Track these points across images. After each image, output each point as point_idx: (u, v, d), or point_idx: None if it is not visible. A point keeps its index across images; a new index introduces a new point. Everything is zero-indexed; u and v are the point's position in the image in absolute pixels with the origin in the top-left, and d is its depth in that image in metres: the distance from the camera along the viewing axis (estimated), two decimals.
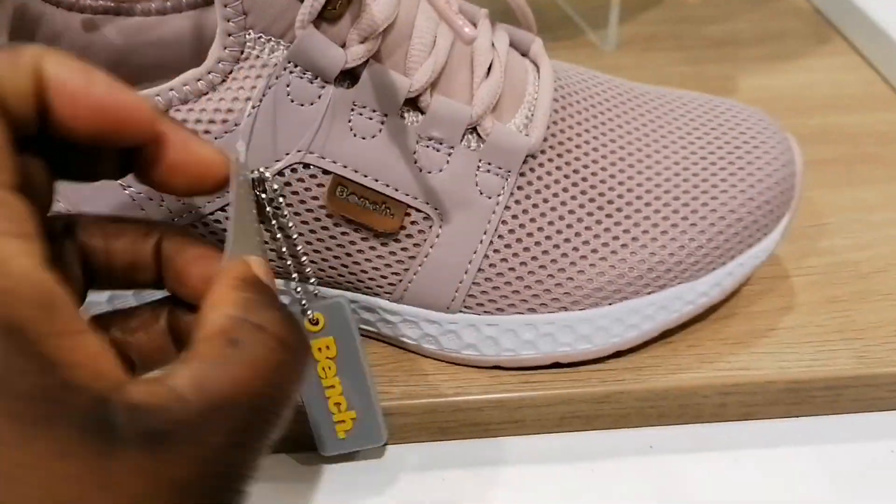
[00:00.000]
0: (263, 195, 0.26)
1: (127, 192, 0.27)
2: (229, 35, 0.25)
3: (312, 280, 0.28)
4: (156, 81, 0.26)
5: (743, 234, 0.31)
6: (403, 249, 0.29)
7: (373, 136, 0.27)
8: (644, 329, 0.30)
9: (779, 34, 0.51)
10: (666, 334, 0.31)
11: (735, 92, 0.46)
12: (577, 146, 0.30)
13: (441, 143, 0.27)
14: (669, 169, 0.31)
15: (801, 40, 0.51)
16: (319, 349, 0.27)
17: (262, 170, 0.26)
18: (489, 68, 0.28)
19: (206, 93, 0.25)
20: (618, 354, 0.31)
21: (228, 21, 0.24)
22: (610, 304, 0.29)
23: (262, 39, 0.25)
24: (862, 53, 0.49)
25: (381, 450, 0.30)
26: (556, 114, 0.30)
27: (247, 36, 0.25)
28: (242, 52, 0.25)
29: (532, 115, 0.29)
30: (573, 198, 0.29)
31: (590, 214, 0.29)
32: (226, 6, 0.24)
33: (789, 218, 0.32)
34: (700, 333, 0.32)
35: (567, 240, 0.29)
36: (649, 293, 0.30)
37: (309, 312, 0.27)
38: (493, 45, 0.29)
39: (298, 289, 0.28)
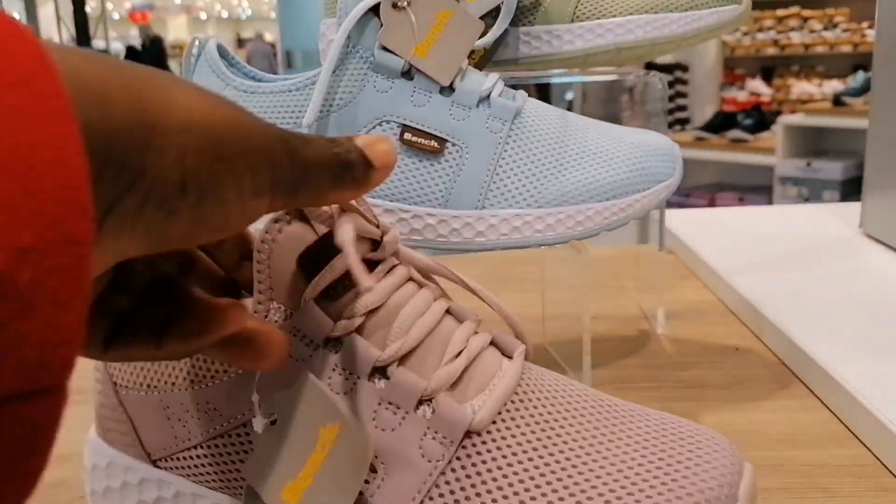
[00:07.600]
0: None
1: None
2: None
3: None
4: None
5: None
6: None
7: (344, 393, 0.32)
8: None
9: (743, 380, 0.57)
10: None
11: None
12: (527, 439, 0.32)
13: (398, 408, 0.32)
14: (610, 475, 0.31)
15: (763, 385, 0.56)
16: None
17: None
18: (457, 356, 0.34)
19: None
20: None
21: None
22: None
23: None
24: (818, 396, 0.54)
25: None
26: (512, 404, 0.33)
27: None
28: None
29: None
30: (508, 483, 0.31)
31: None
32: None
33: None
34: None
35: None
36: None
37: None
38: (468, 340, 0.34)
39: None
